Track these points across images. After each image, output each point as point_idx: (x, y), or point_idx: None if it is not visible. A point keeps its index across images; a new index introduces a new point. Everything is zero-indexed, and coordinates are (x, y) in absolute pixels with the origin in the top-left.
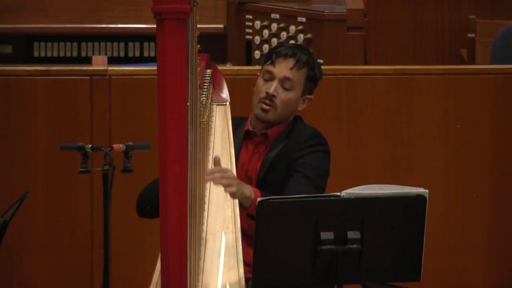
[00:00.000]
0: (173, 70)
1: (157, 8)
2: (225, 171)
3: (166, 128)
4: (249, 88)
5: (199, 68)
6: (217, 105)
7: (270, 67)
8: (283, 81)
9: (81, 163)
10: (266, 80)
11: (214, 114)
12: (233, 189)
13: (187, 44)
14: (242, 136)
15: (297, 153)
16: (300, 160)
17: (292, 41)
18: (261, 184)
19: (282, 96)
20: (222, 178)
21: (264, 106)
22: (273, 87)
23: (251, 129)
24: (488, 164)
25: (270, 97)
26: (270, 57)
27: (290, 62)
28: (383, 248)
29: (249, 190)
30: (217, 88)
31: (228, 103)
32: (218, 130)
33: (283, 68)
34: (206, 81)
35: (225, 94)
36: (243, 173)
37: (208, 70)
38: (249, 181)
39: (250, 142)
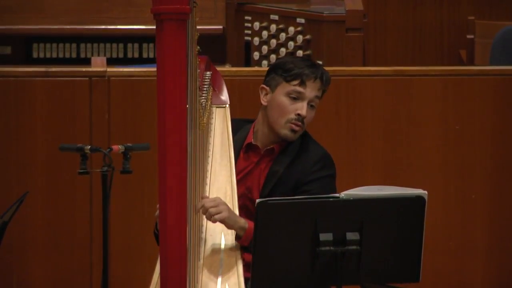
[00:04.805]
0: (172, 71)
1: (156, 9)
2: (213, 200)
3: (166, 129)
4: (248, 89)
5: (199, 70)
6: (217, 107)
7: (300, 88)
8: (312, 100)
9: (80, 164)
10: (294, 99)
11: (213, 116)
12: (223, 214)
13: (187, 45)
14: (243, 148)
15: (307, 177)
16: (309, 185)
17: (291, 42)
18: (266, 198)
19: (309, 115)
20: (210, 208)
21: (295, 128)
22: (304, 108)
23: (253, 142)
24: (487, 165)
25: (302, 118)
26: (297, 77)
27: (318, 82)
28: (382, 249)
29: (243, 220)
30: (216, 91)
31: (227, 105)
32: (218, 132)
33: (313, 88)
34: (205, 83)
35: (225, 96)
36: (241, 184)
37: (208, 72)
38: (248, 192)
39: (252, 155)
